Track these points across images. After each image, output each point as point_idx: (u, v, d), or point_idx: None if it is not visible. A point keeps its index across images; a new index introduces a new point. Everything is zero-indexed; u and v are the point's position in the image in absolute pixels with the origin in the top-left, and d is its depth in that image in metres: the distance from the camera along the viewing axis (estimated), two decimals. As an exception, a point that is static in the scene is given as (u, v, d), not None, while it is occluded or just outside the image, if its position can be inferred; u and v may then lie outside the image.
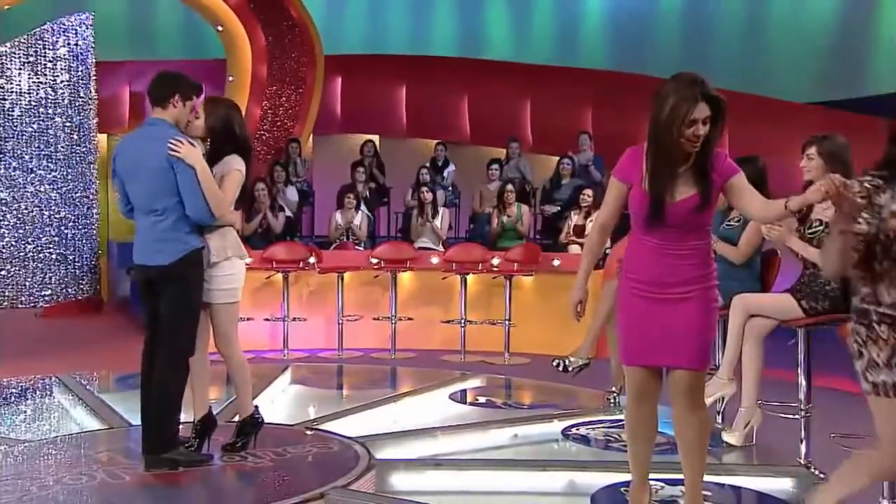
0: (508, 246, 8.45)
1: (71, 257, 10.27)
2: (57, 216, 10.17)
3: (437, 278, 8.11)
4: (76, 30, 10.35)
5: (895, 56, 11.79)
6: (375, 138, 12.05)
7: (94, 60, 10.50)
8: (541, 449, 4.80)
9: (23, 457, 4.29)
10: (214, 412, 4.32)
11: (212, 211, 3.96)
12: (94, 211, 10.50)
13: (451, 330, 7.98)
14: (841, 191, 2.63)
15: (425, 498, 3.71)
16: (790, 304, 4.23)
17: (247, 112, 11.29)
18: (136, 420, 4.26)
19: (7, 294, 9.89)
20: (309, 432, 4.73)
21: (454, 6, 15.53)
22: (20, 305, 9.94)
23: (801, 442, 4.25)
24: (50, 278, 10.12)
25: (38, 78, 10.08)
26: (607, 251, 8.03)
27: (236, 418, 4.38)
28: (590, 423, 5.12)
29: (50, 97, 10.15)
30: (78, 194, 10.31)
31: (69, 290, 10.25)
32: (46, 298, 10.09)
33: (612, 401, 5.47)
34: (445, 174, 10.72)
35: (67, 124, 10.25)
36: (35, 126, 10.05)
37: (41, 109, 10.10)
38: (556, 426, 5.03)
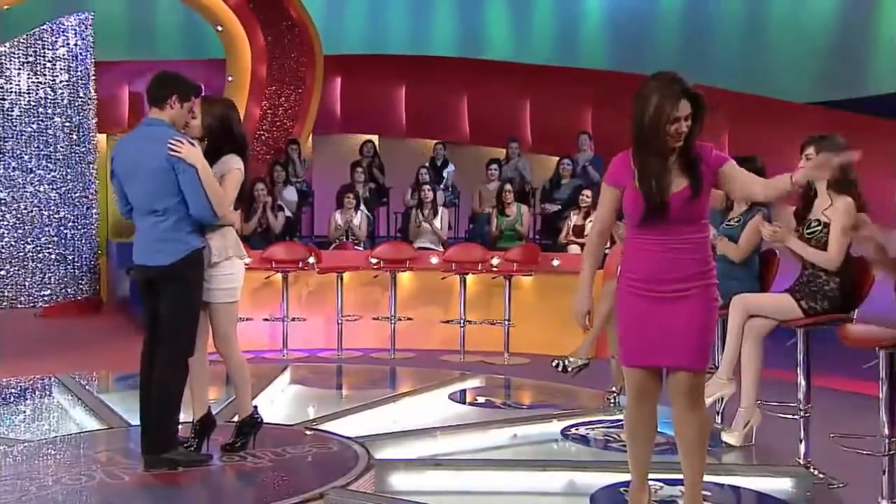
0: (508, 246, 8.45)
1: (70, 257, 10.26)
2: (56, 216, 10.16)
3: (436, 278, 8.10)
4: (75, 30, 10.34)
5: (895, 56, 11.79)
6: (375, 138, 12.05)
7: (93, 60, 10.49)
8: (540, 449, 4.80)
9: (22, 457, 4.29)
10: (213, 412, 4.32)
11: (214, 210, 3.96)
12: (94, 211, 10.49)
13: (450, 330, 7.98)
14: (836, 166, 2.78)
15: (425, 498, 3.71)
16: (789, 304, 4.23)
17: (246, 112, 11.30)
18: (135, 420, 4.26)
19: (6, 294, 9.88)
20: (308, 432, 4.73)
21: (454, 6, 15.52)
22: (20, 305, 9.93)
23: (801, 442, 4.25)
24: (49, 278, 10.12)
25: (37, 78, 10.07)
26: (607, 251, 8.06)
27: (235, 418, 4.38)
28: (589, 423, 5.12)
29: (49, 97, 10.14)
30: (77, 194, 10.30)
31: (68, 290, 10.25)
32: (46, 298, 10.09)
33: (611, 401, 5.47)
34: (445, 174, 10.72)
35: (67, 124, 10.24)
36: (34, 126, 10.05)
37: (40, 109, 10.09)
38: (556, 426, 5.03)
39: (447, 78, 13.03)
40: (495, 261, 8.00)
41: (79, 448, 4.49)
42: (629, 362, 3.23)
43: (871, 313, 4.25)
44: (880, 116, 9.90)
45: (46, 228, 10.11)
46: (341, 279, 7.97)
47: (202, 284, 4.04)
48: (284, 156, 10.94)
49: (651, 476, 3.44)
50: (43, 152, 10.09)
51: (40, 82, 10.09)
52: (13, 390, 6.10)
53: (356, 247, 8.92)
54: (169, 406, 3.98)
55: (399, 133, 13.05)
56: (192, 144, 3.98)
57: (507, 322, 7.72)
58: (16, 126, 9.94)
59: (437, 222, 8.97)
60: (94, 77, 10.50)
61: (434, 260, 8.22)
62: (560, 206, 9.65)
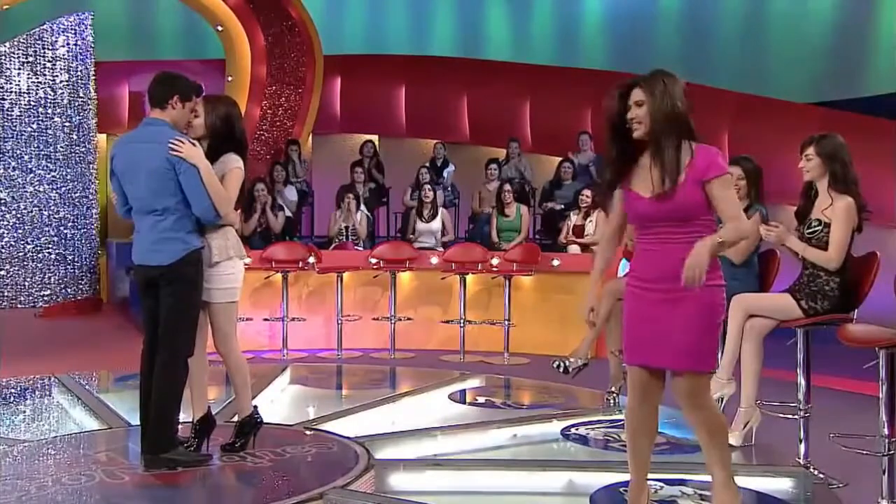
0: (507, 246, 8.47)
1: (70, 257, 10.26)
2: (56, 216, 10.16)
3: (436, 278, 8.10)
4: (76, 30, 10.34)
5: (895, 56, 11.78)
6: (375, 138, 12.05)
7: (93, 60, 10.50)
8: (540, 449, 4.81)
9: (22, 457, 4.29)
10: (213, 412, 4.32)
11: (217, 210, 3.96)
12: (94, 211, 10.49)
13: (450, 330, 7.98)
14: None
15: (424, 498, 3.71)
16: (789, 304, 4.23)
17: (246, 112, 11.28)
18: (135, 420, 4.26)
19: (6, 294, 9.89)
20: (308, 432, 4.73)
21: (454, 6, 15.52)
22: (20, 305, 9.94)
23: (801, 442, 4.25)
24: (49, 278, 10.12)
25: (37, 78, 10.07)
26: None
27: (235, 418, 4.38)
28: (589, 423, 5.12)
29: (49, 97, 10.14)
30: (77, 194, 10.30)
31: (68, 290, 10.25)
32: (46, 298, 10.09)
33: (611, 401, 5.47)
34: (445, 174, 10.72)
35: (67, 124, 10.24)
36: (34, 126, 10.05)
37: (40, 109, 10.09)
38: (556, 426, 5.03)
39: (447, 78, 13.03)
40: (495, 261, 8.00)
41: (79, 448, 4.48)
42: (630, 360, 3.25)
43: (871, 313, 4.25)
44: (880, 116, 9.90)
45: (46, 228, 10.10)
46: (341, 279, 7.97)
47: (202, 284, 4.04)
48: (284, 156, 10.95)
49: (651, 476, 3.44)
50: (43, 152, 10.09)
51: (40, 82, 10.09)
52: (13, 390, 6.10)
53: (356, 247, 8.92)
54: (169, 406, 3.98)
55: (399, 133, 13.05)
56: (194, 144, 3.98)
57: (507, 322, 7.72)
58: (16, 126, 9.94)
59: (435, 224, 8.96)
60: (94, 77, 10.50)
61: (434, 260, 8.22)
62: (563, 206, 9.65)
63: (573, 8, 15.06)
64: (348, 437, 4.52)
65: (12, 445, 4.49)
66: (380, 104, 12.98)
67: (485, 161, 10.41)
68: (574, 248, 8.28)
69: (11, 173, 9.91)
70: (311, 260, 8.01)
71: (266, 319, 7.97)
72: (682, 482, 3.86)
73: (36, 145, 10.05)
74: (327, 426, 4.83)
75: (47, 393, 5.99)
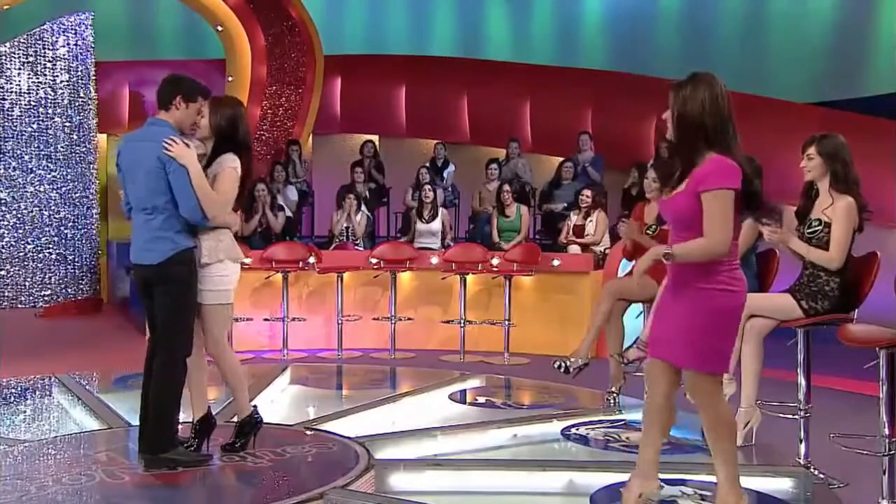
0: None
1: (70, 257, 10.27)
2: (56, 216, 10.17)
3: (436, 278, 8.10)
4: (76, 30, 10.35)
5: (894, 56, 11.78)
6: (375, 138, 12.05)
7: (93, 60, 10.50)
8: (540, 449, 4.81)
9: (22, 457, 4.29)
10: (213, 412, 4.32)
11: (204, 212, 3.95)
12: (94, 211, 10.50)
13: (450, 330, 7.98)
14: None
15: (424, 498, 3.71)
16: (790, 304, 4.23)
17: (246, 112, 11.29)
18: (135, 420, 4.26)
19: (7, 294, 9.89)
20: (308, 432, 4.73)
21: (454, 6, 15.52)
22: (20, 305, 9.94)
23: (801, 442, 4.25)
24: (50, 278, 10.12)
25: (37, 78, 10.08)
26: (607, 251, 8.07)
27: (235, 418, 4.38)
28: (589, 423, 5.12)
29: (49, 97, 10.14)
30: (77, 194, 10.31)
31: (69, 290, 10.25)
32: (46, 298, 10.09)
33: (611, 401, 5.47)
34: (445, 174, 10.72)
35: (67, 124, 10.25)
36: (35, 126, 10.05)
37: (41, 109, 10.10)
38: (556, 426, 5.03)
39: (447, 78, 13.03)
40: (495, 261, 8.00)
41: (79, 448, 4.48)
42: (649, 352, 3.43)
43: (871, 313, 4.25)
44: (880, 116, 9.90)
45: (46, 228, 10.11)
46: (341, 279, 7.97)
47: (196, 284, 4.03)
48: (285, 156, 10.95)
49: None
50: (43, 152, 10.09)
51: (40, 82, 10.10)
52: (13, 390, 6.10)
53: (356, 247, 8.92)
54: (167, 406, 3.98)
55: (399, 133, 13.05)
56: (188, 145, 3.98)
57: (507, 322, 7.72)
58: (16, 126, 9.95)
59: (435, 224, 8.96)
60: (94, 77, 10.51)
61: (434, 260, 8.21)
62: (565, 205, 9.65)
63: (573, 8, 15.06)
64: (348, 437, 4.52)
65: (13, 445, 4.49)
66: (380, 104, 12.98)
67: (485, 161, 10.41)
68: (574, 248, 8.27)
69: (12, 173, 9.92)
70: (312, 260, 8.00)
71: (266, 319, 7.96)
72: (682, 482, 3.86)
73: (36, 145, 10.06)
74: (327, 426, 4.83)
75: (47, 393, 5.99)
